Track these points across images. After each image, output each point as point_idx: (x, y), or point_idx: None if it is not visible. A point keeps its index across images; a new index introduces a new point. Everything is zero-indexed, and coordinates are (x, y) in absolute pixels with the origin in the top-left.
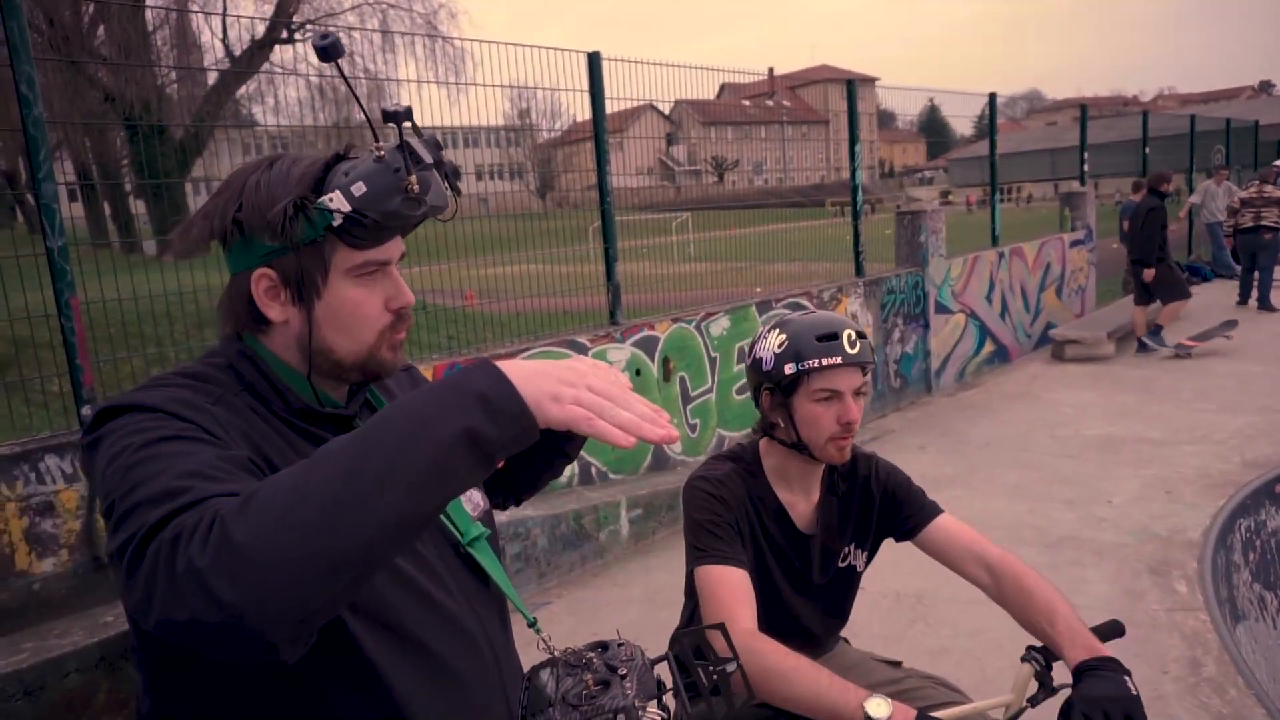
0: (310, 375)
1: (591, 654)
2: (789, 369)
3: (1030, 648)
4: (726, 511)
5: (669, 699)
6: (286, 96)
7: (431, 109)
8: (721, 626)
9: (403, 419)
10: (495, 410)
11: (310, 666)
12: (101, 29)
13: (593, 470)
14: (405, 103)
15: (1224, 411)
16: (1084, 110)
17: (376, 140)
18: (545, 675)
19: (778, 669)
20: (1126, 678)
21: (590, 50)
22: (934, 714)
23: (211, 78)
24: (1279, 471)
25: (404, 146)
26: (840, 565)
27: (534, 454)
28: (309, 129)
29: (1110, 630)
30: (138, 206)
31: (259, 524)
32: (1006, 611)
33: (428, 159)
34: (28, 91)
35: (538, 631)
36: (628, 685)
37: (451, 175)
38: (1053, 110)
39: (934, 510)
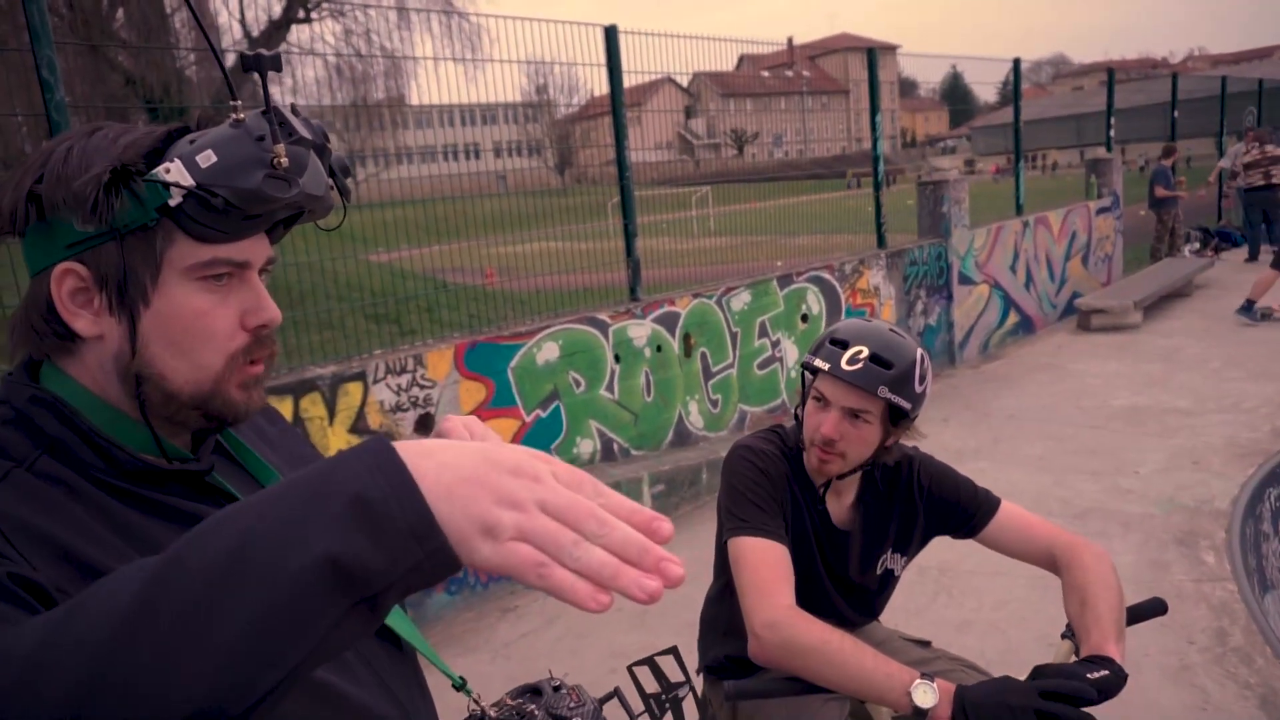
0: (144, 411)
1: (531, 705)
2: (805, 359)
3: (1071, 624)
4: (772, 486)
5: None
6: (304, 76)
7: (449, 86)
8: (673, 650)
9: (230, 539)
10: (379, 524)
11: None
12: (121, 12)
13: (615, 446)
14: (276, 52)
15: (1253, 379)
16: (1111, 74)
17: (234, 98)
18: None
19: (820, 648)
20: (1103, 671)
21: (607, 24)
22: (976, 687)
23: (230, 58)
24: None
25: (270, 110)
26: (877, 571)
27: None
28: (326, 108)
29: (1151, 609)
30: None
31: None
32: None
33: (305, 135)
34: (49, 76)
35: (467, 693)
36: None
37: (339, 170)
38: (1079, 75)
39: (991, 507)
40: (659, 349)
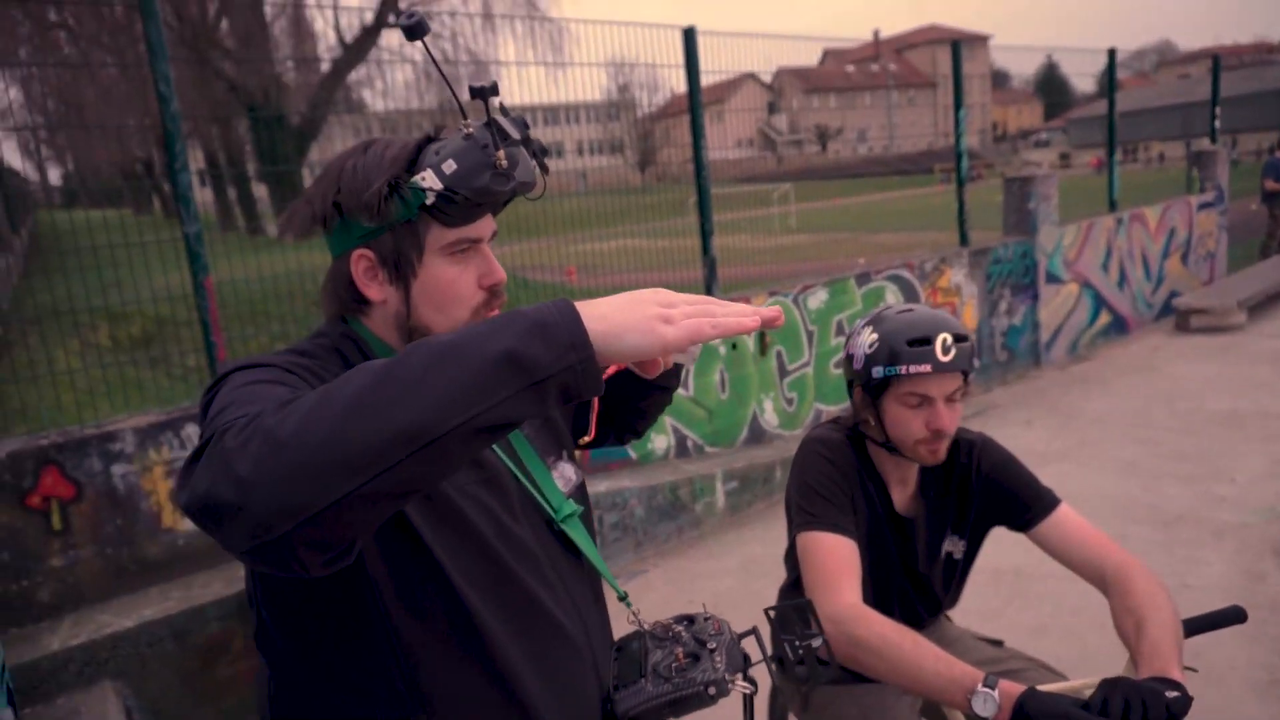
0: None
1: (679, 627)
2: (876, 372)
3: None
4: (842, 479)
5: (754, 672)
6: (395, 80)
7: (532, 87)
8: (808, 604)
9: (451, 338)
10: (550, 336)
11: (427, 634)
12: (225, 22)
13: (689, 443)
14: (494, 80)
15: None
16: (1216, 61)
17: (465, 118)
18: (634, 647)
19: (881, 647)
20: (1176, 692)
21: (685, 25)
22: (1043, 688)
23: (325, 65)
24: None
25: (491, 123)
26: (940, 556)
27: (630, 394)
28: (415, 111)
29: (1228, 617)
30: (260, 190)
31: (289, 415)
32: None
33: (515, 135)
34: (165, 89)
35: (628, 605)
36: (717, 659)
37: (539, 153)
38: (1185, 62)
39: (1048, 504)
40: (734, 346)
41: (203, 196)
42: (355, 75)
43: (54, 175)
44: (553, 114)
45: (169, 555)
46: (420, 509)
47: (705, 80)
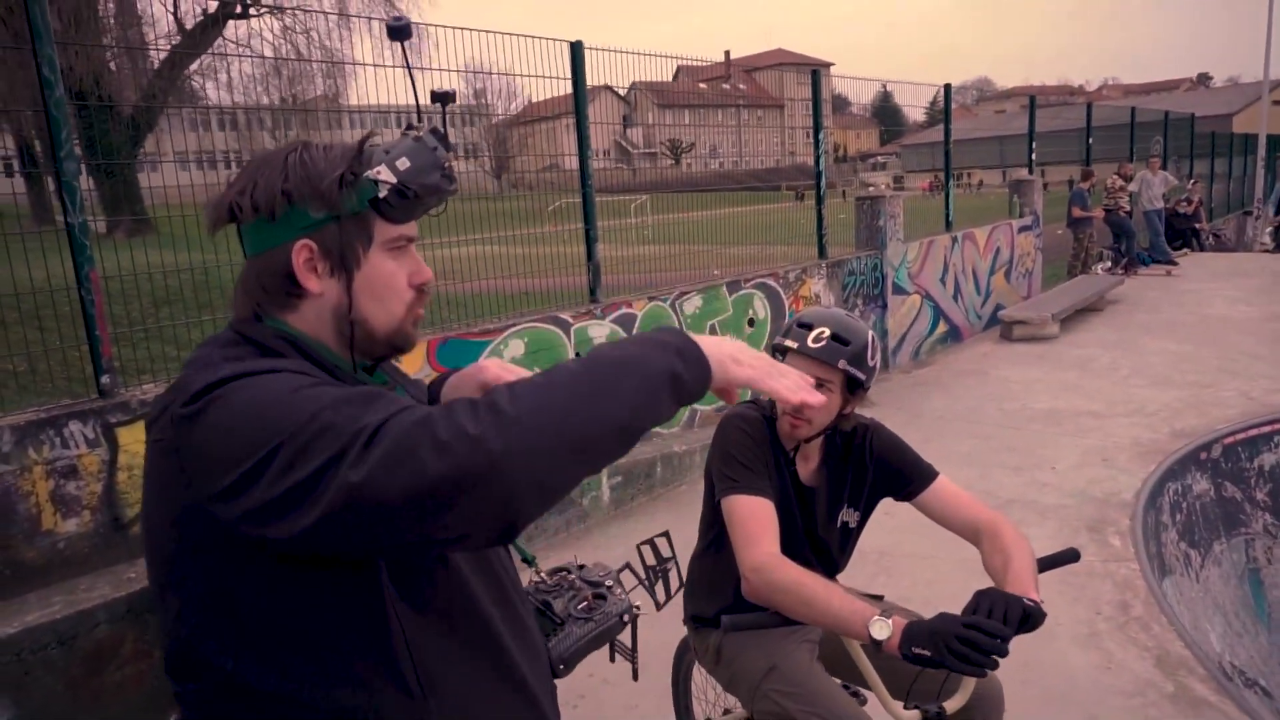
0: (351, 346)
1: (572, 575)
2: (776, 340)
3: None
4: (759, 450)
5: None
6: (241, 72)
7: (389, 87)
8: (666, 534)
9: (617, 354)
10: (689, 362)
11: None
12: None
13: None
14: (452, 89)
15: (1155, 387)
16: (1033, 100)
17: (420, 120)
18: (539, 602)
19: (796, 588)
20: (1034, 604)
21: (573, 40)
22: (919, 622)
23: (160, 52)
24: (1204, 440)
25: (437, 130)
26: (837, 525)
27: None
28: (262, 107)
29: (1067, 556)
30: (86, 183)
31: (522, 404)
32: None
33: (449, 146)
34: (50, 74)
35: (534, 566)
36: (619, 593)
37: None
38: (1002, 98)
39: (929, 476)
40: None
41: (15, 187)
42: (198, 65)
43: None
44: (406, 117)
45: (48, 559)
46: None
47: (558, 91)
